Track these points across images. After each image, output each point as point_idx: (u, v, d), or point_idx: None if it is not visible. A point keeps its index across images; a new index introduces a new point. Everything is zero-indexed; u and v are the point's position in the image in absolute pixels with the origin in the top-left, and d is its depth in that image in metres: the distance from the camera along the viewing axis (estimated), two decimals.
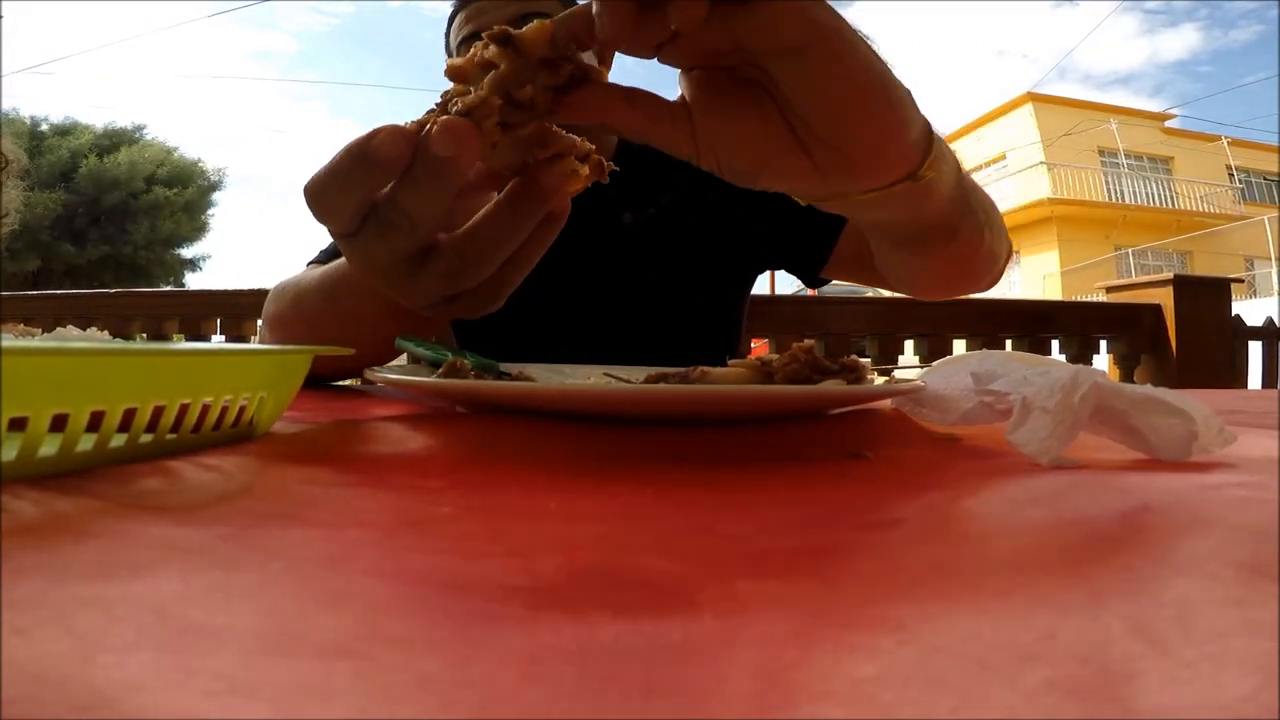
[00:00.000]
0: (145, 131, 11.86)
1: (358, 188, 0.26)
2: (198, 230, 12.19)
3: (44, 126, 10.88)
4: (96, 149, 10.83)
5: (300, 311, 0.54)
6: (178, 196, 11.40)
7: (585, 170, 0.29)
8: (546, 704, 0.09)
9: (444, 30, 0.77)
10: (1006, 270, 0.57)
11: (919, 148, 0.29)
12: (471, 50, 0.27)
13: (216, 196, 12.49)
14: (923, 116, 0.29)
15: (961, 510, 0.20)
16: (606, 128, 0.28)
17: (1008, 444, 0.26)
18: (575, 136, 0.29)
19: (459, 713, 0.09)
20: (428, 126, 0.25)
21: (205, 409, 0.25)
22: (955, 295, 0.54)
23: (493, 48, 0.26)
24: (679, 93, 0.29)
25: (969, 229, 0.39)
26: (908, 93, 0.28)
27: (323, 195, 0.27)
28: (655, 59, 0.27)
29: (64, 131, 10.94)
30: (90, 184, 10.56)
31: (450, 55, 0.76)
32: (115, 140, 11.23)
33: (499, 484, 0.23)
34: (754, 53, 0.26)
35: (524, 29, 0.25)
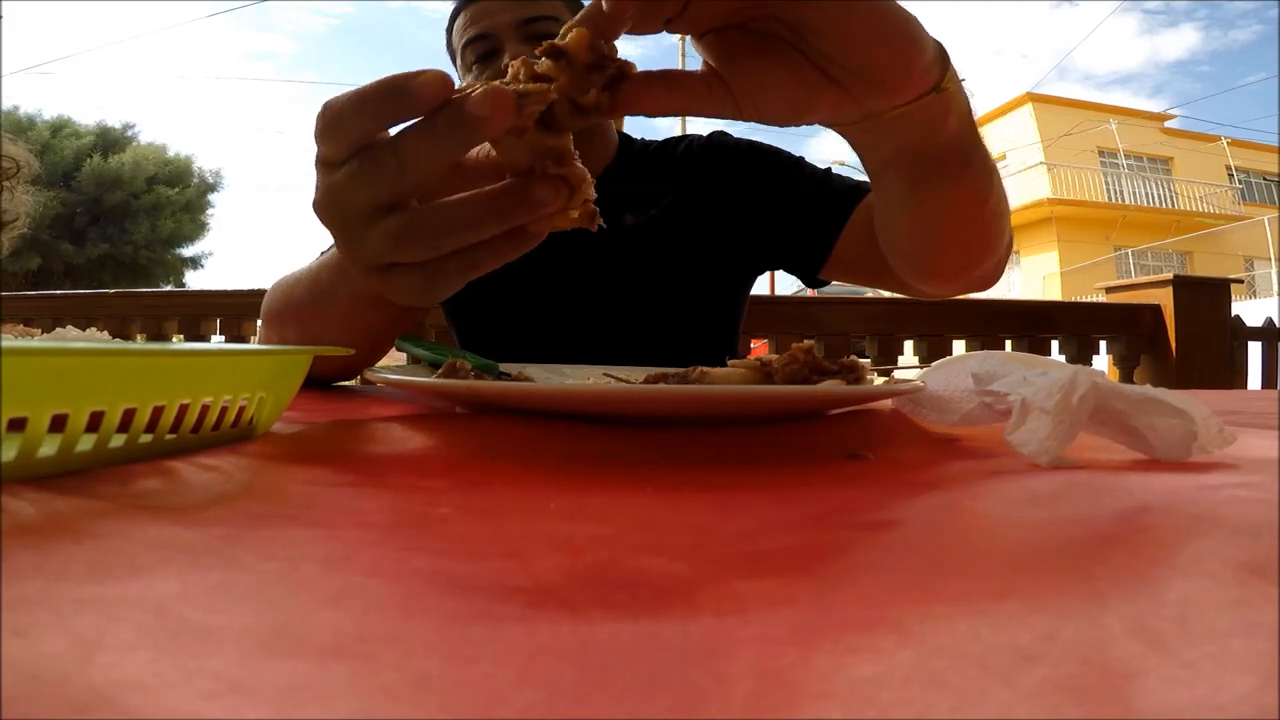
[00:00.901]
0: (135, 131, 11.88)
1: (378, 116, 0.26)
2: (198, 230, 12.20)
3: (39, 124, 10.89)
4: (91, 149, 10.84)
5: (288, 304, 0.55)
6: (178, 196, 11.40)
7: (575, 214, 0.29)
8: (546, 704, 0.09)
9: (445, 28, 0.77)
10: (1007, 268, 0.56)
11: (937, 63, 0.31)
12: (511, 71, 0.27)
13: (216, 197, 12.52)
14: (933, 37, 0.31)
15: (961, 510, 0.20)
16: (657, 112, 0.29)
17: (1007, 445, 0.26)
18: (587, 173, 0.28)
19: (459, 713, 0.09)
20: (470, 88, 0.25)
21: (205, 409, 0.25)
22: (961, 272, 0.52)
23: (545, 61, 0.26)
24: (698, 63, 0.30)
25: (980, 160, 0.41)
26: (916, 18, 0.30)
27: (340, 115, 0.27)
28: (664, 31, 0.28)
29: (55, 129, 10.95)
30: (91, 183, 10.56)
31: (452, 55, 0.76)
32: (107, 139, 11.22)
33: (499, 484, 0.23)
34: (771, 3, 0.28)
35: (566, 39, 0.26)
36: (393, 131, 0.27)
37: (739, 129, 0.82)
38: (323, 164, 0.29)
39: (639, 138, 0.83)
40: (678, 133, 0.85)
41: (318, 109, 0.28)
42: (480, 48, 0.70)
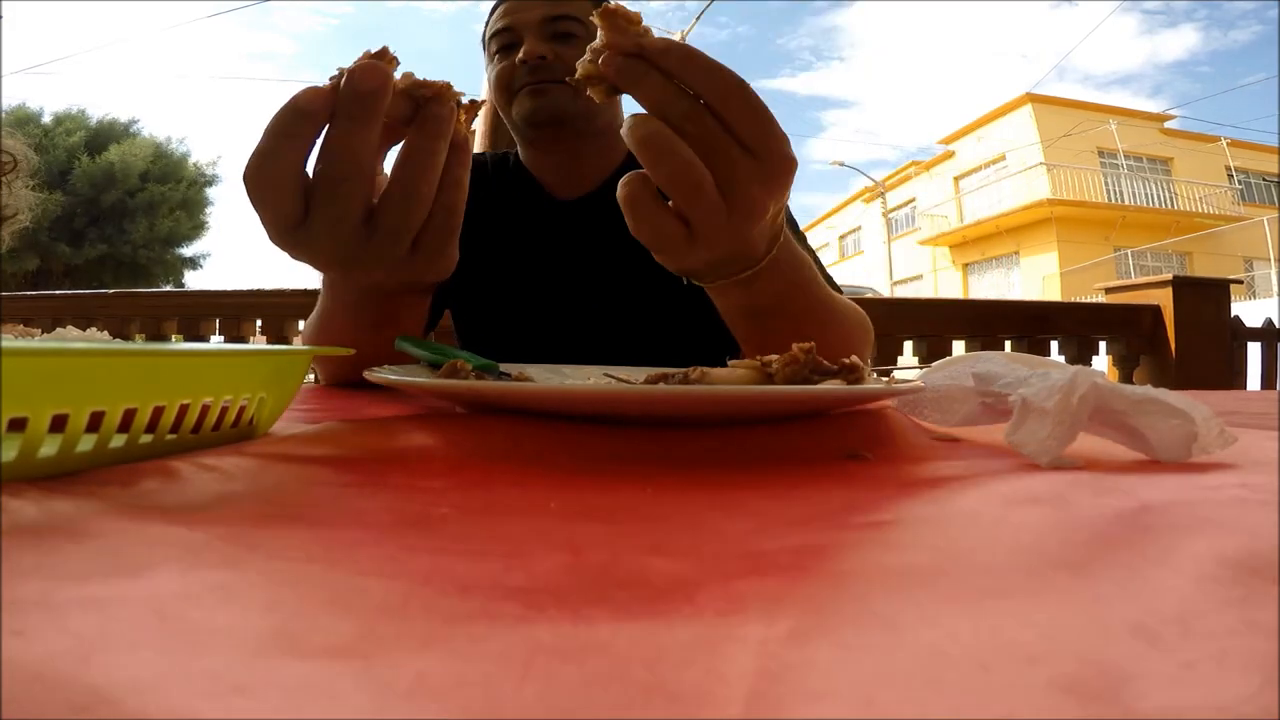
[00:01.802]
0: (139, 127, 11.88)
1: (292, 147, 0.30)
2: (197, 228, 12.19)
3: (46, 119, 10.90)
4: (90, 147, 10.83)
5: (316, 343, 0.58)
6: (173, 193, 11.39)
7: (464, 117, 0.37)
8: (546, 704, 0.09)
9: (485, 20, 0.81)
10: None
11: (753, 254, 0.38)
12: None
13: (216, 196, 12.52)
14: (785, 236, 0.38)
15: (961, 510, 0.20)
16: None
17: (1007, 445, 0.26)
18: (439, 82, 0.36)
19: (459, 713, 0.09)
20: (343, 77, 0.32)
21: (205, 409, 0.25)
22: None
23: (601, 20, 0.34)
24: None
25: (776, 323, 0.46)
26: (793, 224, 0.36)
27: (263, 172, 0.30)
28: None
29: (56, 121, 10.97)
30: (87, 183, 10.55)
31: (484, 45, 0.81)
32: (97, 139, 11.21)
33: (499, 484, 0.23)
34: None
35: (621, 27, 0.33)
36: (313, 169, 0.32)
37: None
38: (283, 229, 0.32)
39: None
40: None
41: (243, 175, 0.31)
42: (503, 39, 0.76)
